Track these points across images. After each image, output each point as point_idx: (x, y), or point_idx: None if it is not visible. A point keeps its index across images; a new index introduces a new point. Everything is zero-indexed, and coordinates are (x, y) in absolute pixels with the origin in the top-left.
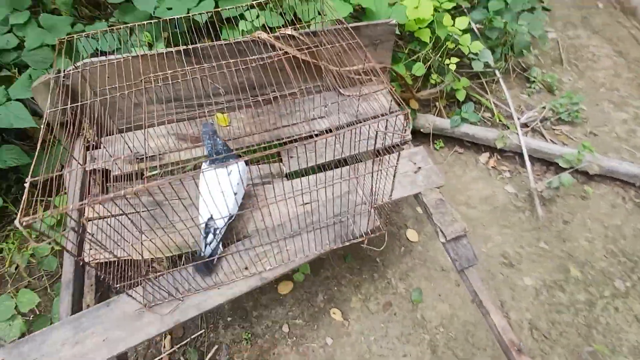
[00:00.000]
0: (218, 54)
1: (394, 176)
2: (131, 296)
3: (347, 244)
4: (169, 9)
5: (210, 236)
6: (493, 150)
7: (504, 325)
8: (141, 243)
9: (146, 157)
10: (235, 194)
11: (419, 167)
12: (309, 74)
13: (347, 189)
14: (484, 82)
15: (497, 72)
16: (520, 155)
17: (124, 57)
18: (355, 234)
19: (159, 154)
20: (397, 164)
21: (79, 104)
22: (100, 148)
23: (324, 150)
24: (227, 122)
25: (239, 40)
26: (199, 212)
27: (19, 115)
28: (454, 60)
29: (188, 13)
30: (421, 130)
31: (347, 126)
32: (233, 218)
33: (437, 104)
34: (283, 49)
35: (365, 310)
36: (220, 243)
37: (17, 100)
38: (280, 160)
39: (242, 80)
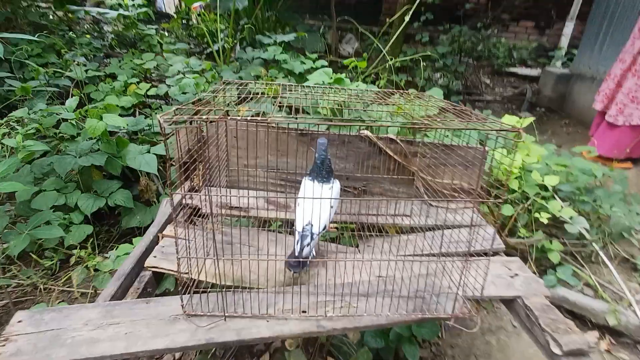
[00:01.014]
0: (329, 139)
1: (486, 272)
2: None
3: (430, 316)
4: None
5: (308, 239)
6: (604, 328)
7: None
8: (204, 264)
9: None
10: (331, 207)
11: (516, 274)
12: (400, 176)
13: (429, 271)
14: (580, 252)
15: (594, 245)
16: None
17: (254, 121)
18: (440, 310)
19: (247, 207)
20: (488, 261)
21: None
22: (199, 192)
23: (405, 246)
24: None
25: (349, 133)
26: (297, 218)
27: (149, 163)
28: (545, 215)
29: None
30: None
31: (432, 229)
32: (325, 229)
33: (527, 256)
34: (383, 149)
35: None
36: (313, 249)
37: (154, 154)
38: (357, 246)
39: (340, 167)
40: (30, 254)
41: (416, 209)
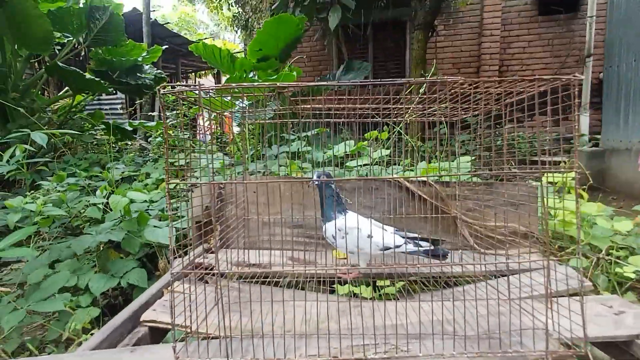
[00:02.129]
0: (354, 188)
1: (583, 308)
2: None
3: (514, 355)
4: None
5: (411, 245)
6: None
7: None
8: (206, 317)
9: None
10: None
11: (621, 311)
12: (441, 225)
13: (497, 311)
14: None
15: None
16: None
17: (273, 178)
18: (528, 347)
19: (267, 264)
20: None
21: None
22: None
23: (457, 310)
24: (343, 256)
25: (376, 177)
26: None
27: (166, 236)
28: (631, 269)
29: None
30: None
31: (487, 278)
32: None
33: None
34: (415, 192)
35: None
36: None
37: (175, 227)
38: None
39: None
40: (29, 347)
41: (466, 256)
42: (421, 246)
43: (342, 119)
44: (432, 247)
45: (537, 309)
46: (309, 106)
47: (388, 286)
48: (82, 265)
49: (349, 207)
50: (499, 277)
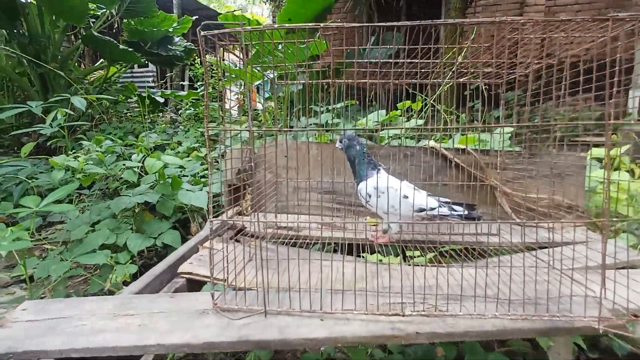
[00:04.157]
0: (389, 154)
1: None
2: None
3: (565, 319)
4: None
5: (445, 209)
6: None
7: None
8: (244, 271)
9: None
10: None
11: None
12: (478, 195)
13: (539, 279)
14: None
15: None
16: None
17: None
18: (578, 312)
19: (297, 225)
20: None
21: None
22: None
23: (497, 276)
24: (377, 222)
25: (408, 145)
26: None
27: (200, 198)
28: None
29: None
30: None
31: (528, 249)
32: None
33: None
34: (452, 159)
35: None
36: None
37: (206, 192)
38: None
39: None
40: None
41: (504, 227)
42: (455, 210)
43: (383, 83)
44: (466, 211)
45: (587, 279)
46: (342, 81)
47: (418, 256)
48: (120, 225)
49: (387, 170)
50: (538, 249)
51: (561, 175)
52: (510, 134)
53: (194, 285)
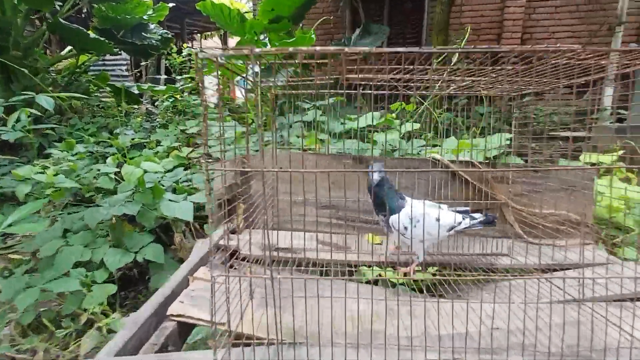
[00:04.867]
0: (393, 166)
1: None
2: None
3: None
4: None
5: (467, 220)
6: None
7: None
8: (247, 310)
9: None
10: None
11: None
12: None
13: (570, 320)
14: None
15: None
16: None
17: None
18: None
19: (298, 249)
20: None
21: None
22: (240, 234)
23: (508, 293)
24: (379, 241)
25: (414, 158)
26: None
27: (184, 210)
28: None
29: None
30: None
31: (543, 271)
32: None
33: None
34: (457, 172)
35: None
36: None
37: (191, 202)
38: (440, 296)
39: None
40: (45, 323)
41: (514, 246)
42: (475, 218)
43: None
44: (483, 217)
45: (614, 313)
46: (357, 75)
47: (419, 271)
48: (95, 239)
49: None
50: (552, 270)
51: (568, 190)
52: (509, 140)
53: (186, 328)
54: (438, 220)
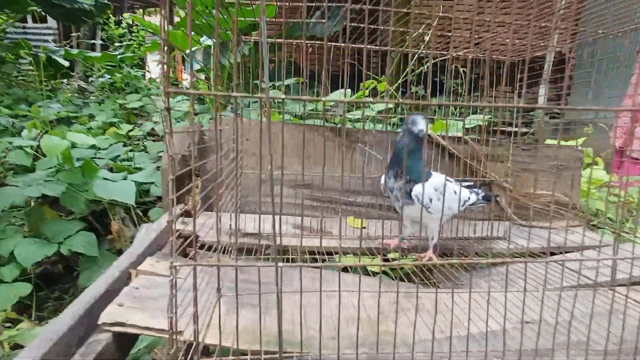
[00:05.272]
0: (374, 141)
1: None
2: None
3: None
4: None
5: (474, 195)
6: None
7: None
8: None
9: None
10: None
11: None
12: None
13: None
14: None
15: None
16: None
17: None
18: None
19: (267, 234)
20: None
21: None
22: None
23: (513, 279)
24: (362, 225)
25: (397, 131)
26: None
27: (125, 191)
28: None
29: None
30: None
31: (542, 253)
32: None
33: None
34: (450, 150)
35: None
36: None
37: (133, 181)
38: (435, 285)
39: None
40: None
41: (503, 229)
42: (478, 194)
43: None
44: (484, 193)
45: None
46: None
47: (402, 257)
48: (4, 228)
49: (380, 162)
50: (556, 254)
51: (557, 170)
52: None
53: (127, 341)
54: (455, 193)
